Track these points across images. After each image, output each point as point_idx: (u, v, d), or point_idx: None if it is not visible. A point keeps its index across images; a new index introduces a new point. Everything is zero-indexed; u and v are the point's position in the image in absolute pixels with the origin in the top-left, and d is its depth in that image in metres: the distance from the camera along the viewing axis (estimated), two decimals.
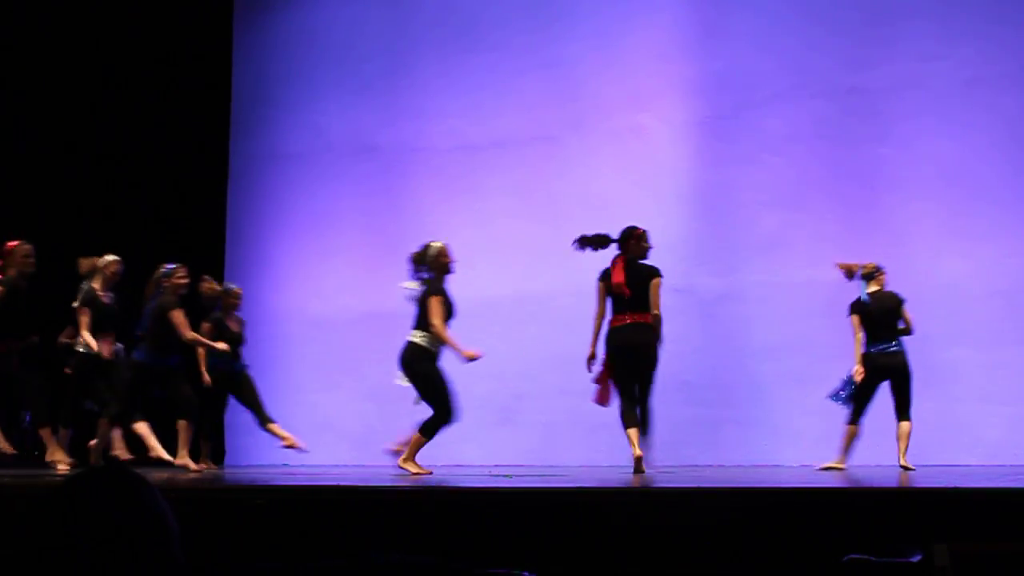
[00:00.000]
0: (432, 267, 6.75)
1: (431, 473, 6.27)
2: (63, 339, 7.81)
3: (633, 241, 6.52)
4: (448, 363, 8.69)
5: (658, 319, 6.33)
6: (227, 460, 9.97)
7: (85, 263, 7.61)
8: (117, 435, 7.71)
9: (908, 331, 6.98)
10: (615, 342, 6.43)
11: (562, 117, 9.27)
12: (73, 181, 10.38)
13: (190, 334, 7.12)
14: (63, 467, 6.88)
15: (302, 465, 8.61)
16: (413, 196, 9.71)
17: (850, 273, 7.10)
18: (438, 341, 6.50)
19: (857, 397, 6.89)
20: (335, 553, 3.47)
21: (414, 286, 6.71)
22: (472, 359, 6.42)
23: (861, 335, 6.92)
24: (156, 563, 1.67)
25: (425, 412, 6.60)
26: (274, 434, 7.58)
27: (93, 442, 7.33)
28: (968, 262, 7.96)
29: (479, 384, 9.10)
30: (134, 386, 7.21)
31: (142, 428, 7.43)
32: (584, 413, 8.76)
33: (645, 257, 6.51)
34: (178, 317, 7.06)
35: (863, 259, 8.31)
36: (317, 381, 9.55)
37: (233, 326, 7.95)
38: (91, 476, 1.72)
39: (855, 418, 6.95)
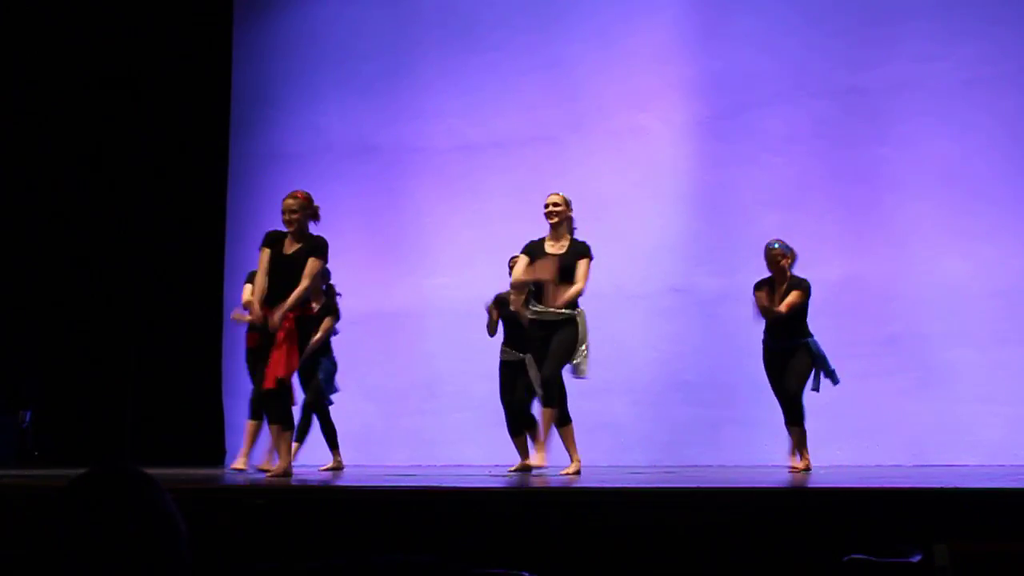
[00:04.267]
0: None
1: None
2: None
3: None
4: (447, 362, 8.71)
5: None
6: (227, 460, 9.97)
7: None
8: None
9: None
10: None
11: (562, 117, 9.26)
12: (73, 181, 10.39)
13: None
14: None
15: (302, 465, 8.61)
16: (413, 196, 9.71)
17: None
18: None
19: None
20: (335, 553, 3.47)
21: None
22: None
23: None
24: (163, 564, 1.66)
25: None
26: None
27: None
28: (968, 262, 7.96)
29: (479, 384, 9.11)
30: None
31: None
32: (584, 413, 8.75)
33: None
34: None
35: (862, 260, 8.32)
36: None
37: None
38: (98, 476, 1.72)
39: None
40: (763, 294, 6.69)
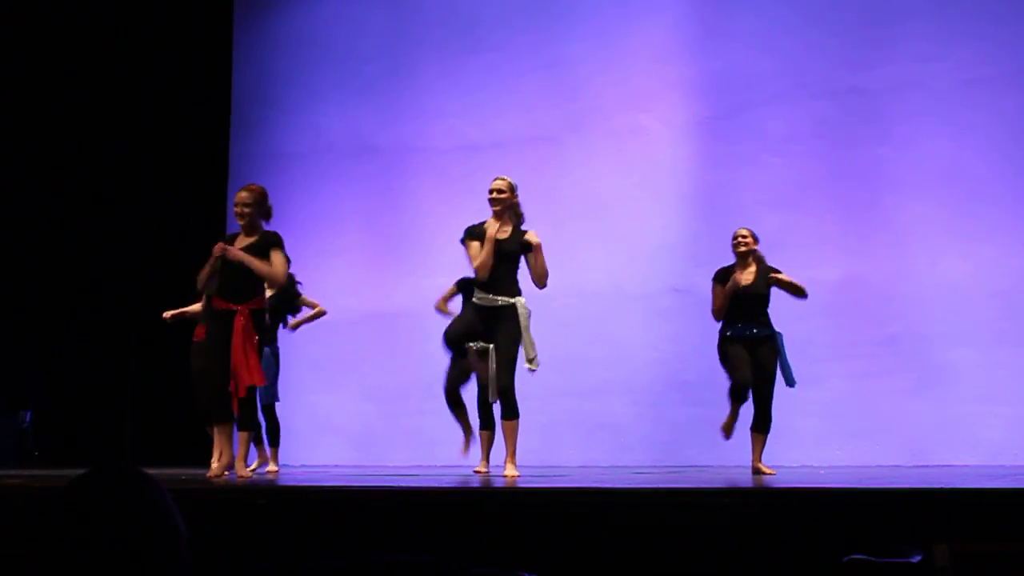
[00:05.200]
0: None
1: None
2: None
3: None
4: (447, 362, 8.67)
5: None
6: None
7: None
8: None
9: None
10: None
11: (562, 117, 9.26)
12: (73, 181, 10.39)
13: None
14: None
15: (302, 465, 8.62)
16: (413, 196, 9.71)
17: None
18: None
19: None
20: (335, 553, 3.47)
21: None
22: None
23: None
24: (163, 564, 1.66)
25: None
26: None
27: None
28: (968, 262, 7.96)
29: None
30: None
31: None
32: (584, 413, 8.77)
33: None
34: None
35: (862, 260, 8.31)
36: (317, 381, 9.54)
37: None
38: (98, 476, 1.71)
39: None
40: (725, 286, 6.48)
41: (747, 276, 6.56)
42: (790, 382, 6.56)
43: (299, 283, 7.78)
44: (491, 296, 5.93)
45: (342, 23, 10.28)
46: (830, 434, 8.05)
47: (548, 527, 3.48)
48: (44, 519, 1.65)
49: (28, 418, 10.14)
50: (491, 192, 6.16)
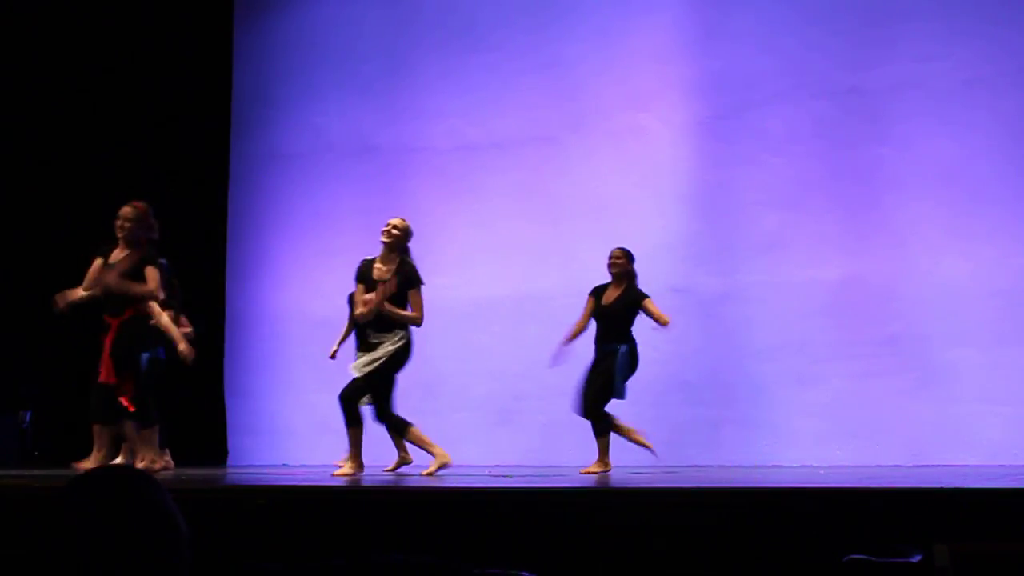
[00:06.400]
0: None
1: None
2: None
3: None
4: (447, 362, 8.70)
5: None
6: (229, 460, 9.98)
7: None
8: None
9: None
10: None
11: (562, 117, 9.26)
12: (72, 182, 10.38)
13: None
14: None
15: (302, 465, 8.62)
16: (413, 196, 9.71)
17: None
18: None
19: None
20: (335, 553, 3.47)
21: None
22: None
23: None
24: (163, 564, 1.66)
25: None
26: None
27: None
28: (968, 262, 7.96)
29: (479, 384, 9.11)
30: None
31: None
32: None
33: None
34: None
35: (862, 260, 8.31)
36: (317, 381, 9.52)
37: None
38: (98, 476, 1.71)
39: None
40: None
41: (610, 295, 6.96)
42: (617, 394, 6.87)
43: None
44: (380, 334, 6.51)
45: (342, 23, 10.29)
46: (830, 434, 8.05)
47: (548, 527, 3.48)
48: (44, 519, 1.65)
49: (28, 418, 10.13)
50: (385, 227, 6.59)
